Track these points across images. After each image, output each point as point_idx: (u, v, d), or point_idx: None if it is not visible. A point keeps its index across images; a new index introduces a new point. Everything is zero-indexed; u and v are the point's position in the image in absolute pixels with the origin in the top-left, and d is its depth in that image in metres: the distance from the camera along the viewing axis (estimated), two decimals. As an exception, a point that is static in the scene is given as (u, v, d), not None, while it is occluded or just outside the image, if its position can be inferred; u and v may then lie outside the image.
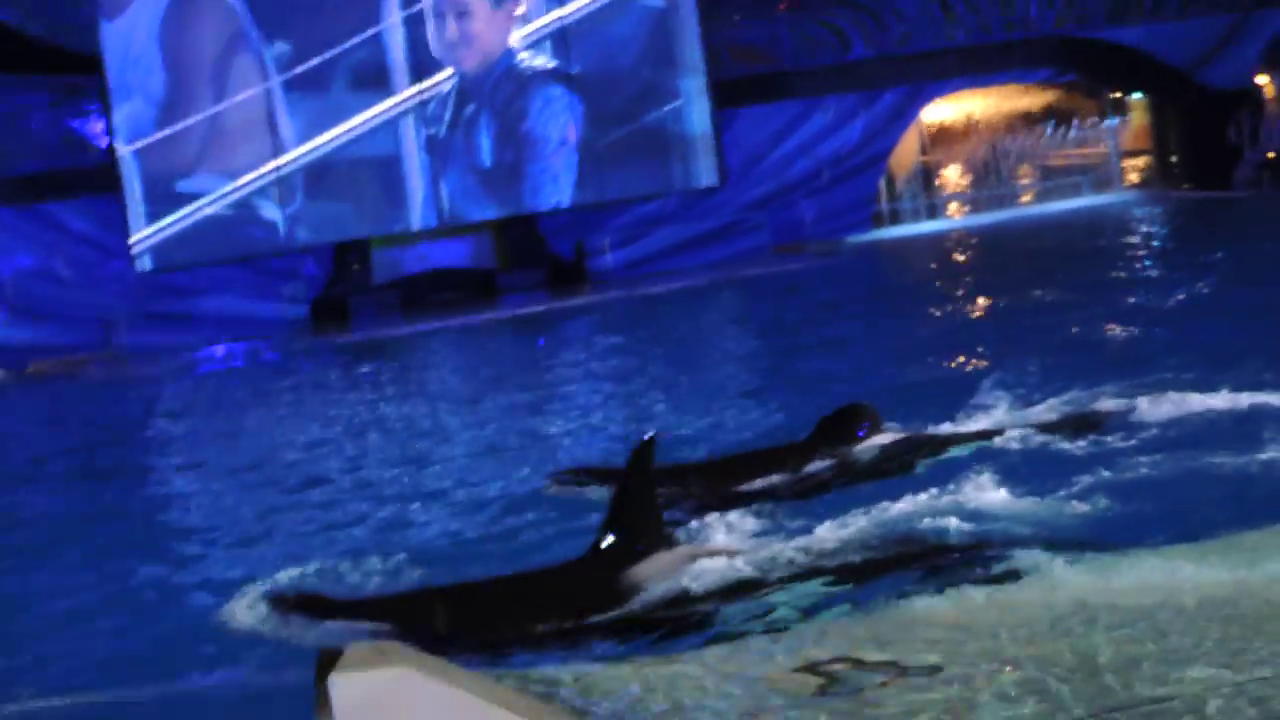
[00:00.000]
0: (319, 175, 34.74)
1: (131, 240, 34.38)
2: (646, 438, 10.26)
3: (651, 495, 10.01)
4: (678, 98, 36.00)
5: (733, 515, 11.14)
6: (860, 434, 12.97)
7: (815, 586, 9.21)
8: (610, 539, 9.74)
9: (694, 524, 10.97)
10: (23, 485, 19.51)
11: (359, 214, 35.12)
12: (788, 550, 9.97)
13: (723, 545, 10.24)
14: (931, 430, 13.34)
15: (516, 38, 35.15)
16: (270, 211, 34.78)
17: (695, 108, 36.15)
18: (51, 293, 34.75)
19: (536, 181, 35.62)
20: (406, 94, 34.67)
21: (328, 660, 5.18)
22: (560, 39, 35.28)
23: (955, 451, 12.47)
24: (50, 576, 13.09)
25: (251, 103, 34.43)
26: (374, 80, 34.69)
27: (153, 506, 16.52)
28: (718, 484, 12.32)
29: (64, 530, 15.44)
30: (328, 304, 35.16)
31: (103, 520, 15.81)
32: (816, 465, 12.53)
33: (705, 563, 9.70)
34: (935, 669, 6.33)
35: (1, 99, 34.87)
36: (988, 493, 10.99)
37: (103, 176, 34.46)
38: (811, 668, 6.51)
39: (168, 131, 34.23)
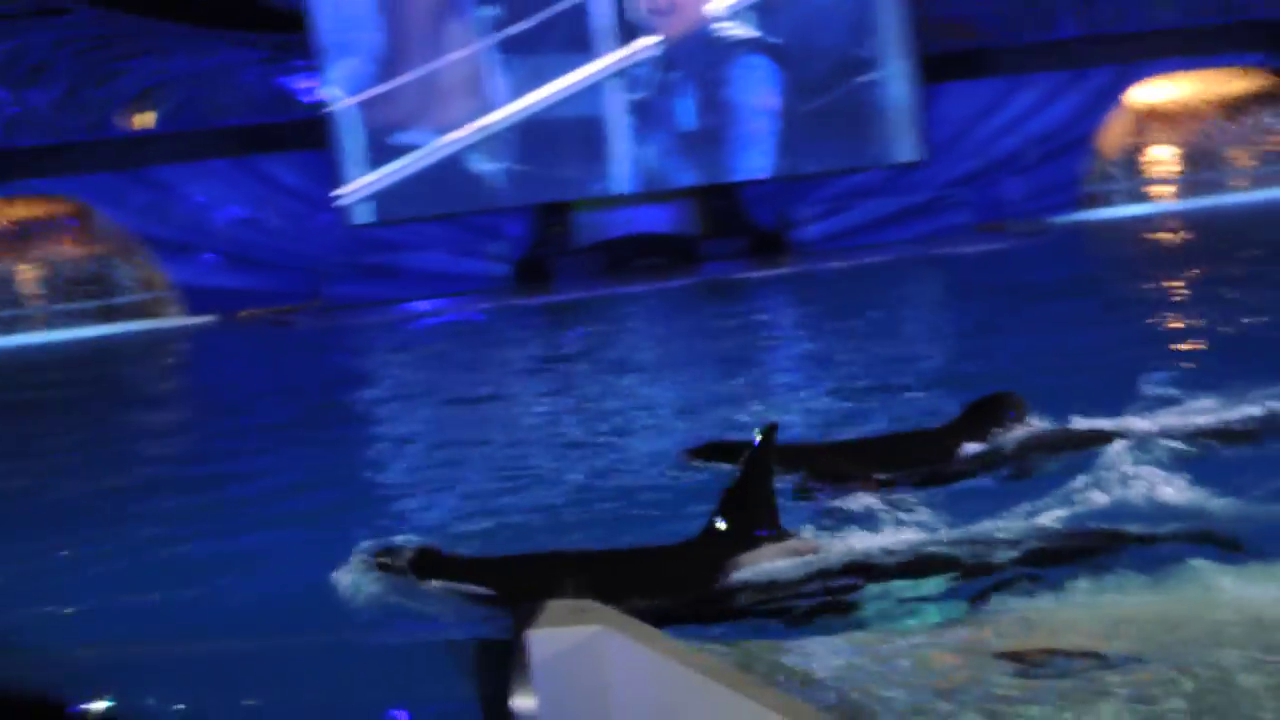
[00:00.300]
0: (526, 135, 35.13)
1: (342, 191, 35.09)
2: (767, 426, 10.19)
3: (769, 485, 9.93)
4: (878, 70, 35.81)
5: (870, 498, 11.12)
6: (1007, 421, 12.81)
7: (940, 581, 9.12)
8: (722, 524, 9.71)
9: (831, 504, 11.00)
10: (229, 419, 20.21)
11: (564, 175, 35.43)
12: (904, 540, 9.92)
13: (836, 542, 10.10)
14: (1085, 424, 12.97)
15: (719, 6, 35.20)
16: (478, 169, 35.28)
17: (896, 81, 35.90)
18: (262, 242, 35.62)
19: (737, 148, 35.69)
20: (612, 58, 34.95)
21: (526, 614, 5.31)
22: (761, 8, 35.28)
23: (1105, 446, 12.08)
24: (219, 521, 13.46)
25: (463, 63, 34.93)
26: (580, 44, 35.01)
27: (359, 455, 16.86)
28: (860, 464, 12.21)
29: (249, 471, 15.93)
30: (530, 264, 35.54)
31: (297, 468, 16.23)
32: (961, 451, 12.43)
33: (813, 556, 9.67)
34: (1135, 659, 6.31)
35: (215, 54, 35.75)
36: (1132, 489, 10.75)
37: (311, 132, 35.19)
38: (1015, 654, 6.52)
39: (384, 88, 34.87)
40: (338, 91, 34.84)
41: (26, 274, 37.87)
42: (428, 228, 35.57)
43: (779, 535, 9.81)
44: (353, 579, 9.79)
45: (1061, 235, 34.27)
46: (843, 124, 35.77)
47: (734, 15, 35.30)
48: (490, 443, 16.52)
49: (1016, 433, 12.69)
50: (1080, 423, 13.03)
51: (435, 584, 9.60)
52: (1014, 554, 9.43)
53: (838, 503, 11.11)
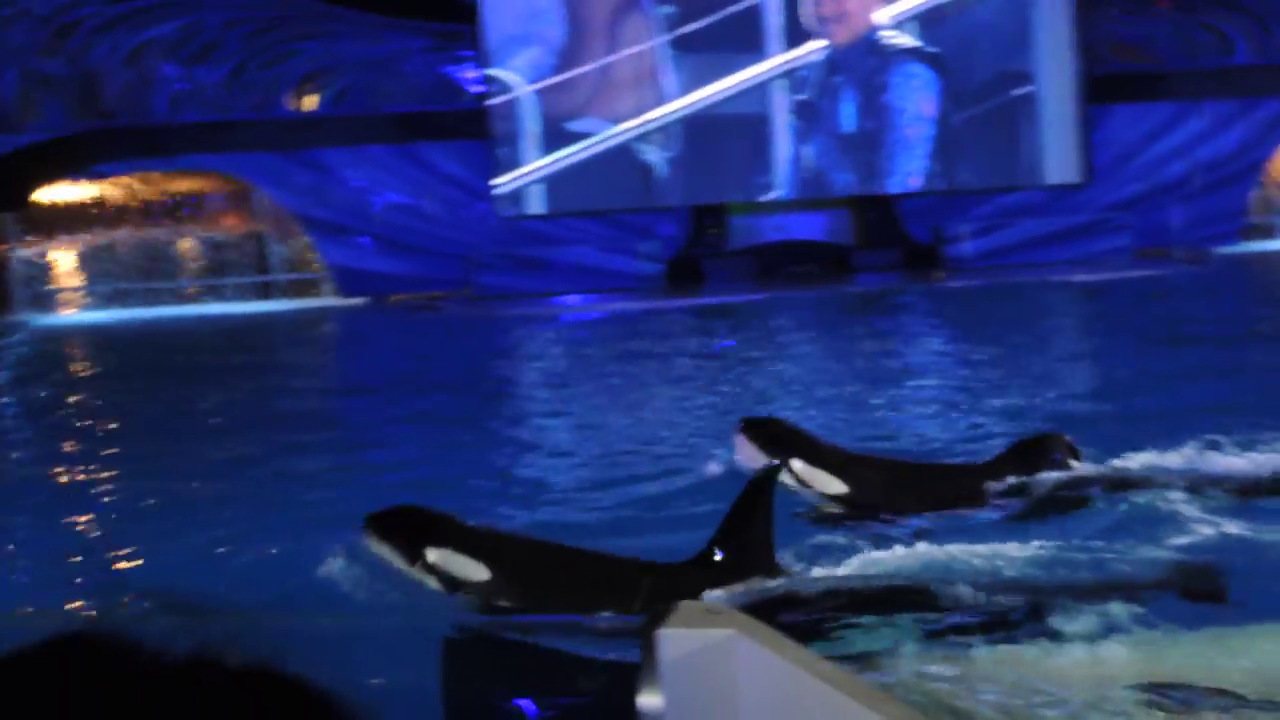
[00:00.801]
0: (691, 130, 35.28)
1: (501, 180, 35.33)
2: (770, 465, 10.22)
3: (767, 523, 9.67)
4: (1035, 85, 35.48)
5: (887, 529, 11.01)
6: (1051, 463, 12.49)
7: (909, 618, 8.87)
8: (717, 553, 9.51)
9: (850, 535, 10.76)
10: (371, 396, 20.52)
11: (725, 172, 35.46)
12: (895, 570, 9.74)
13: (829, 575, 9.82)
14: (1137, 468, 12.54)
15: (884, 15, 35.10)
16: (641, 161, 35.43)
17: (1057, 100, 35.49)
18: (417, 228, 35.96)
19: (895, 158, 35.50)
20: (779, 60, 35.10)
21: (658, 614, 5.24)
22: (924, 19, 35.14)
23: (1148, 493, 11.77)
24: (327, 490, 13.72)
25: (636, 58, 35.15)
26: (750, 45, 35.14)
27: (485, 437, 16.96)
28: (897, 489, 12.06)
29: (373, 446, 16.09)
30: (682, 264, 35.56)
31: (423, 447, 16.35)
32: (993, 488, 12.13)
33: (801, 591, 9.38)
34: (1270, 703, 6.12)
35: (383, 41, 36.13)
36: (1149, 542, 10.37)
37: (472, 121, 35.47)
38: (1146, 685, 6.35)
39: (559, 78, 35.18)
40: (513, 77, 35.13)
41: (185, 248, 38.57)
42: (581, 223, 35.70)
43: (771, 570, 9.62)
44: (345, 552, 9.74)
45: (1223, 266, 33.62)
46: (1000, 139, 35.47)
47: (898, 25, 35.18)
48: (608, 429, 16.56)
49: (1058, 475, 12.35)
50: (1137, 467, 12.61)
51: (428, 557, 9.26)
52: (984, 597, 9.11)
53: (852, 530, 10.98)
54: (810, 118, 35.44)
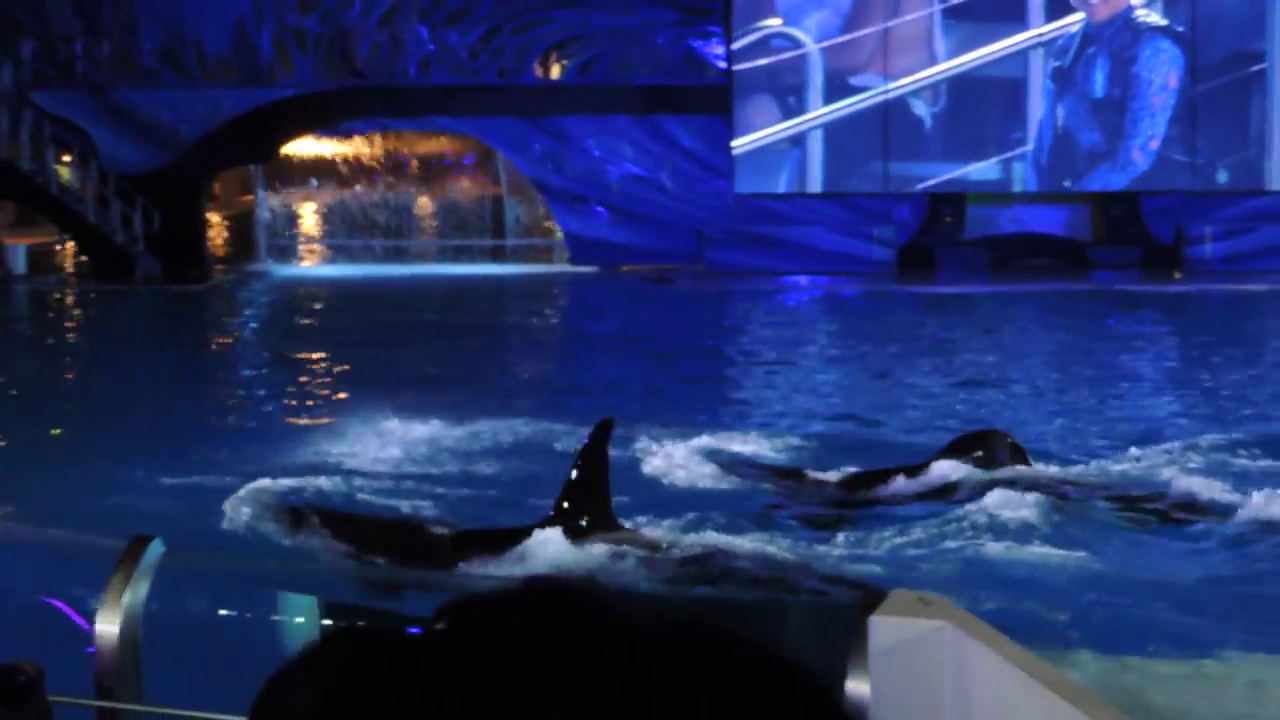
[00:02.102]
0: (955, 91, 35.36)
1: (744, 141, 35.31)
2: (602, 421, 11.39)
3: (603, 477, 11.01)
4: (1269, 66, 35.23)
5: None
6: (990, 461, 12.90)
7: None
8: (561, 510, 10.97)
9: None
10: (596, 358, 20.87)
11: (984, 130, 35.49)
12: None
13: (653, 535, 11.33)
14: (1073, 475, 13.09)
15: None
16: (912, 120, 35.64)
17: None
18: (653, 200, 36.11)
19: (1138, 119, 35.43)
20: (1040, 30, 35.83)
21: (870, 600, 5.23)
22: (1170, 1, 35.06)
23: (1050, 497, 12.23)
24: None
25: (914, 24, 35.53)
26: (1012, 15, 35.67)
27: (699, 400, 17.08)
28: (828, 493, 13.17)
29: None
30: (915, 251, 35.24)
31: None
32: (920, 484, 12.82)
33: (631, 547, 10.87)
34: None
35: (634, 13, 36.27)
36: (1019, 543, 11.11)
37: (715, 97, 35.49)
38: None
39: (847, 37, 35.49)
40: (799, 35, 35.36)
41: (426, 208, 39.25)
42: (816, 203, 35.54)
43: (609, 525, 10.96)
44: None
45: None
46: (1235, 112, 35.12)
47: (1148, 4, 35.13)
48: (818, 416, 16.65)
49: (997, 472, 12.78)
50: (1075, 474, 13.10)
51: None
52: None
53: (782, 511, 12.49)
54: (1064, 82, 35.71)
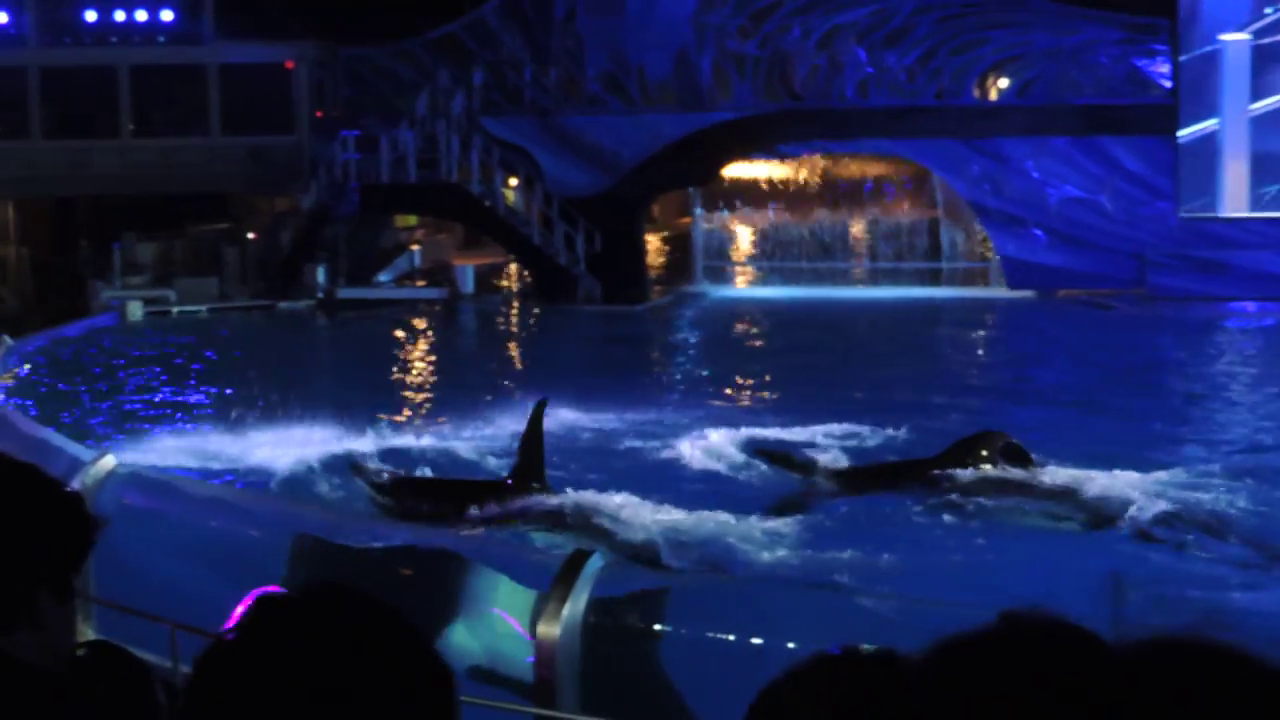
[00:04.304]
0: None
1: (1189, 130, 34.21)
2: (539, 401, 14.75)
3: (538, 449, 14.33)
4: None
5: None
6: (987, 461, 14.09)
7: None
8: (514, 474, 14.51)
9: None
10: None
11: None
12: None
13: (591, 501, 14.05)
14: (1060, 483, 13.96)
15: None
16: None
17: None
18: (1092, 224, 35.23)
19: None
20: None
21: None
22: None
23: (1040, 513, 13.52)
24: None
25: None
26: None
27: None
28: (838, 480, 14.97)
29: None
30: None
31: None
32: (921, 479, 14.25)
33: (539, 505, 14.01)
34: None
35: (1076, 32, 35.52)
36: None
37: (1160, 117, 34.43)
38: None
39: None
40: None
41: (858, 230, 39.24)
42: (1265, 226, 34.06)
43: (542, 489, 14.10)
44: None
45: None
46: None
47: None
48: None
49: (989, 473, 14.02)
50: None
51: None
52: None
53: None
54: None
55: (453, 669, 1.72)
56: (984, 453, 14.34)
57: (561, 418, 18.53)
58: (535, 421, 14.39)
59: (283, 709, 1.58)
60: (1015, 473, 14.17)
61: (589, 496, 14.04)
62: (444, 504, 14.42)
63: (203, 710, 1.65)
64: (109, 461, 9.95)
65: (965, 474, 14.14)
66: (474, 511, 13.87)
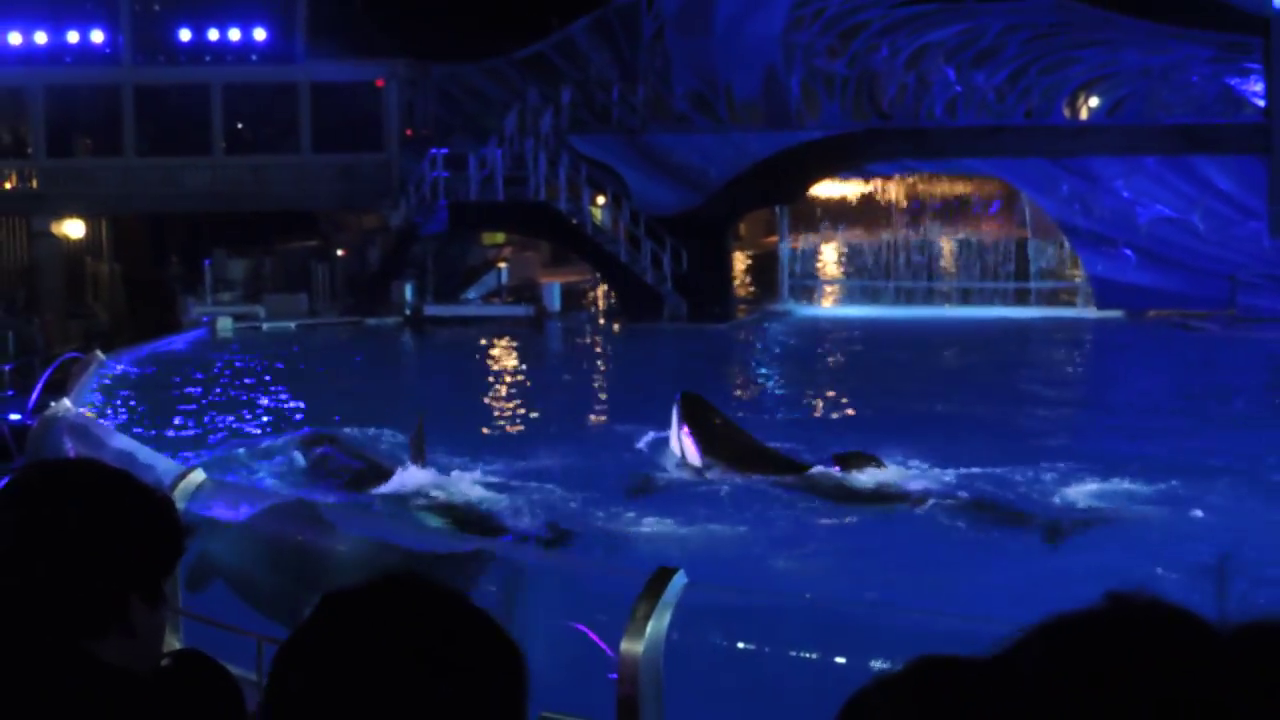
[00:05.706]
0: None
1: None
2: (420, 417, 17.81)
3: (420, 438, 17.36)
4: None
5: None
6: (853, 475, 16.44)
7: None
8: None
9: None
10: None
11: None
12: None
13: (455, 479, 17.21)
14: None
15: None
16: None
17: None
18: (1183, 244, 34.88)
19: None
20: None
21: None
22: None
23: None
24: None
25: None
26: None
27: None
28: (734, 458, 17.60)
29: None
30: None
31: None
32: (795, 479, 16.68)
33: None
34: None
35: (1166, 51, 35.22)
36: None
37: (1253, 136, 34.03)
38: None
39: None
40: None
41: (948, 249, 39.06)
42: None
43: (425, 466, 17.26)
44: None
45: None
46: None
47: None
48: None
49: (844, 477, 16.43)
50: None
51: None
52: None
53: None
54: None
55: (522, 648, 1.75)
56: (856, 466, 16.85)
57: (650, 436, 18.65)
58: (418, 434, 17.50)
59: (362, 698, 1.61)
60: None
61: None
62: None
63: (283, 706, 1.67)
64: (197, 476, 10.05)
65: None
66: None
